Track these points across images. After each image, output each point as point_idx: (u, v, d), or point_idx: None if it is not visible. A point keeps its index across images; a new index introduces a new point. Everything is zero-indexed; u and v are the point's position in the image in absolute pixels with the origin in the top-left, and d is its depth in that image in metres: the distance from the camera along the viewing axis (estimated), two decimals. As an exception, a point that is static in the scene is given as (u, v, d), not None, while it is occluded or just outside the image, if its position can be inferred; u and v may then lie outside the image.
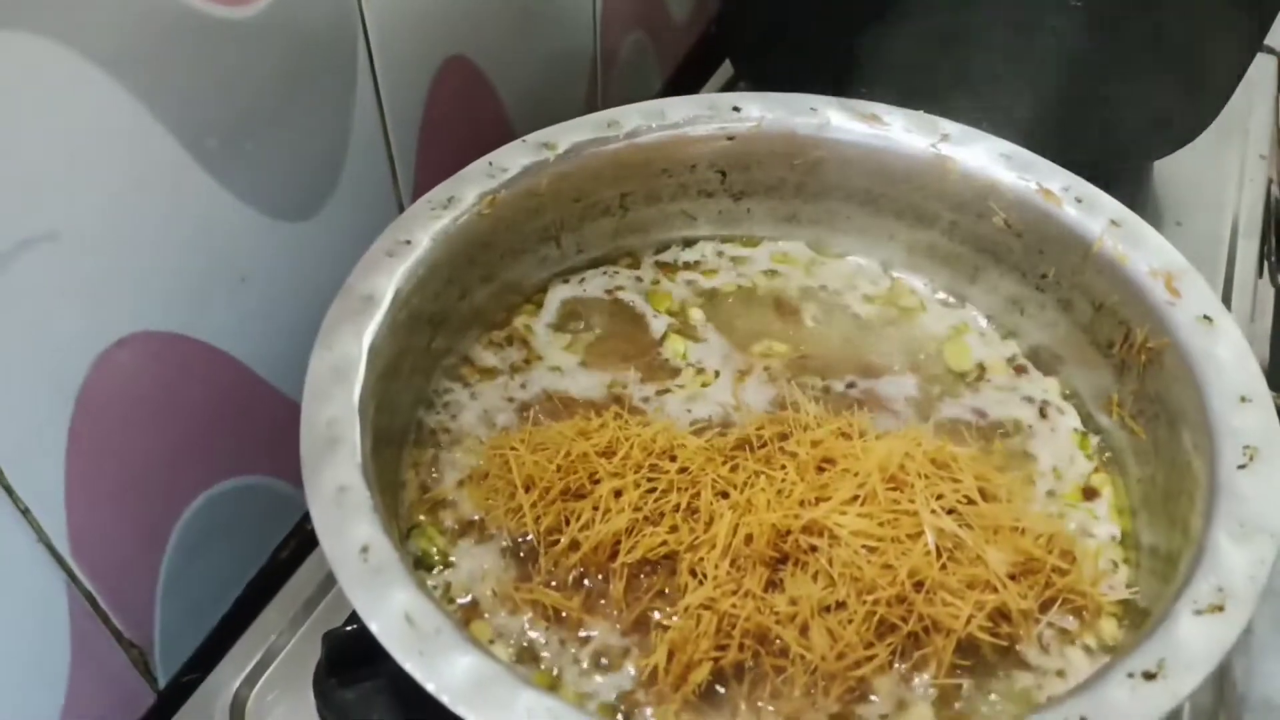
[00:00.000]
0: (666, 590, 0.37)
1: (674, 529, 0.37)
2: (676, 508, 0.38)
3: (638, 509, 0.37)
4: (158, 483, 0.47)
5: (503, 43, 0.62)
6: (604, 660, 0.36)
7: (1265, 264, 0.64)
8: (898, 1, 0.55)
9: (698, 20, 0.87)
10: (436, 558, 0.39)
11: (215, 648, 0.49)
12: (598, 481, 0.38)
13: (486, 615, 0.37)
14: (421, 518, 0.40)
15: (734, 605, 0.35)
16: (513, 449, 0.40)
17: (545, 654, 0.36)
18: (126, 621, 0.46)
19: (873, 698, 0.34)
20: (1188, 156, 0.60)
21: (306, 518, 0.55)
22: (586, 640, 0.36)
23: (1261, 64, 0.75)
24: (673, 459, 0.39)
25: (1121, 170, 0.62)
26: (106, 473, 0.43)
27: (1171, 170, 0.63)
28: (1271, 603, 0.52)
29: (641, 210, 0.48)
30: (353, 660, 0.41)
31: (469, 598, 0.37)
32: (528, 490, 0.38)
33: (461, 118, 0.60)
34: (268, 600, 0.49)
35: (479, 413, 0.43)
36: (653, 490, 0.38)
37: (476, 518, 0.40)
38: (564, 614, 0.36)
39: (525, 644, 0.36)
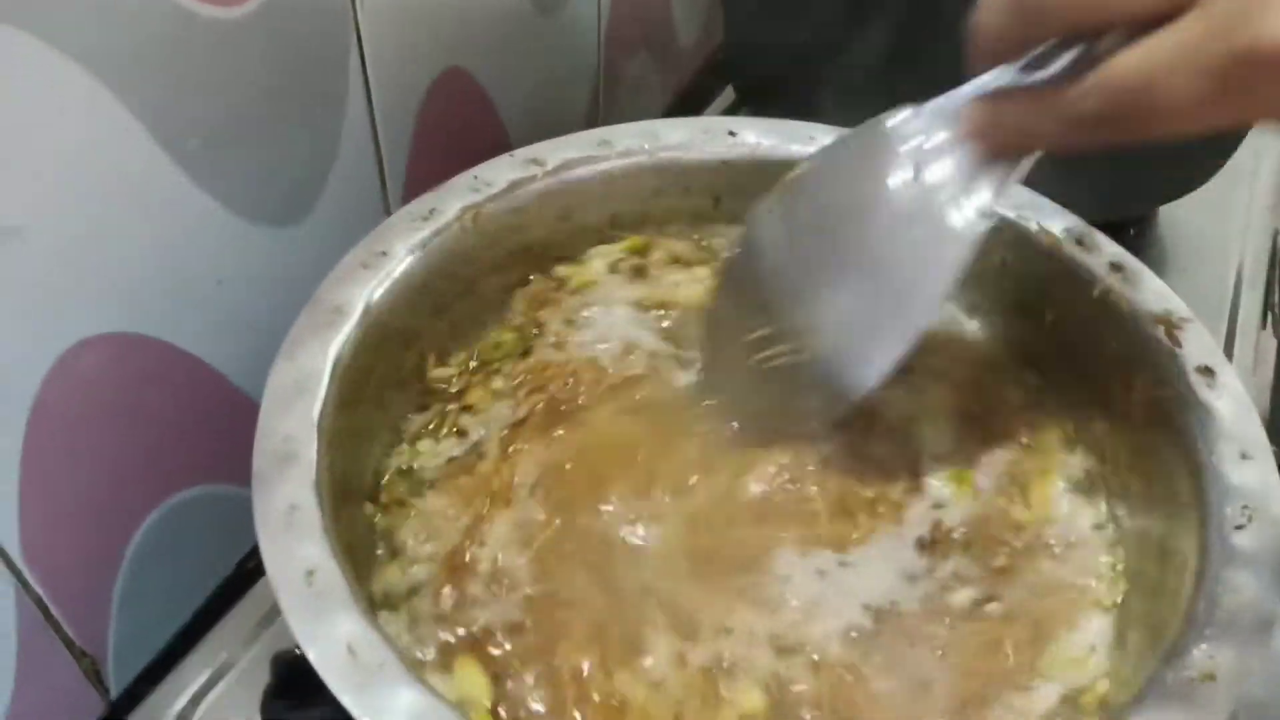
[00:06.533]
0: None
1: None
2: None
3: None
4: (120, 487, 0.46)
5: (503, 57, 0.62)
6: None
7: (1269, 315, 0.63)
8: (910, 35, 0.54)
9: (705, 44, 0.87)
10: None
11: (172, 659, 0.48)
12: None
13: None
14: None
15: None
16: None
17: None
18: (79, 629, 0.44)
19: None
20: (1193, 204, 0.59)
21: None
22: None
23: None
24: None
25: (1127, 216, 0.61)
26: (64, 475, 0.41)
27: (1176, 217, 0.62)
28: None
29: (631, 230, 0.47)
30: (303, 685, 0.39)
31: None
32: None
33: (456, 131, 0.59)
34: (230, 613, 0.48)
35: (446, 445, 0.42)
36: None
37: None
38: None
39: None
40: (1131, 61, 0.27)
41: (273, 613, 0.44)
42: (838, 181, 0.37)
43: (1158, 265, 0.60)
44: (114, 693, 0.47)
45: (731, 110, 0.75)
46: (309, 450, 0.32)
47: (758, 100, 0.64)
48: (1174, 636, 0.29)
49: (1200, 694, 0.27)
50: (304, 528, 0.30)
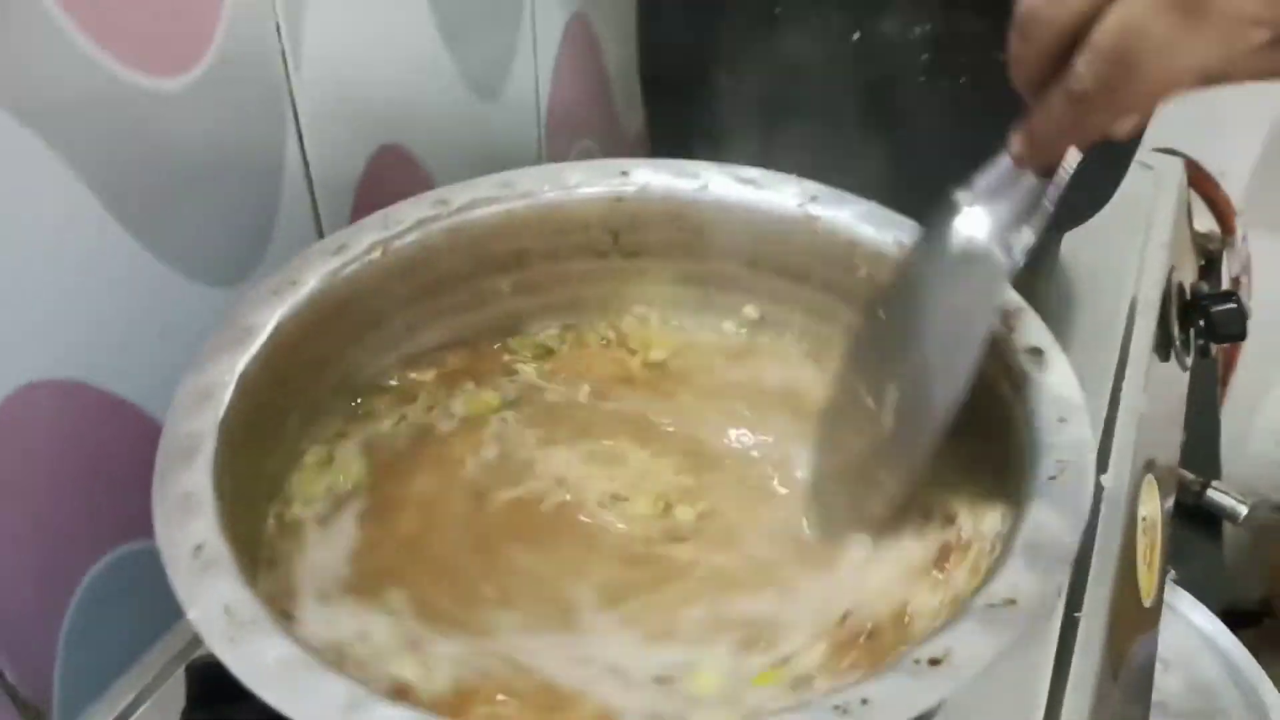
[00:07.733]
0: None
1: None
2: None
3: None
4: (65, 533, 0.47)
5: (442, 136, 0.65)
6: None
7: (1172, 349, 0.66)
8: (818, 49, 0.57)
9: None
10: None
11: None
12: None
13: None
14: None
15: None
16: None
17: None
18: (22, 678, 0.46)
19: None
20: (1094, 240, 0.63)
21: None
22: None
23: (1170, 164, 0.80)
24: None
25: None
26: (5, 525, 0.43)
27: (1077, 252, 0.66)
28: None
29: (538, 267, 0.51)
30: (222, 695, 0.41)
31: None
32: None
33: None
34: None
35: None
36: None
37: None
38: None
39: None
40: (1108, 22, 0.28)
41: (196, 641, 0.45)
42: (923, 258, 0.40)
43: (1059, 296, 0.64)
44: (61, 747, 0.47)
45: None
46: (209, 445, 0.35)
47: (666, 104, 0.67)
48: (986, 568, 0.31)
49: (1001, 615, 0.29)
50: (197, 509, 0.33)
